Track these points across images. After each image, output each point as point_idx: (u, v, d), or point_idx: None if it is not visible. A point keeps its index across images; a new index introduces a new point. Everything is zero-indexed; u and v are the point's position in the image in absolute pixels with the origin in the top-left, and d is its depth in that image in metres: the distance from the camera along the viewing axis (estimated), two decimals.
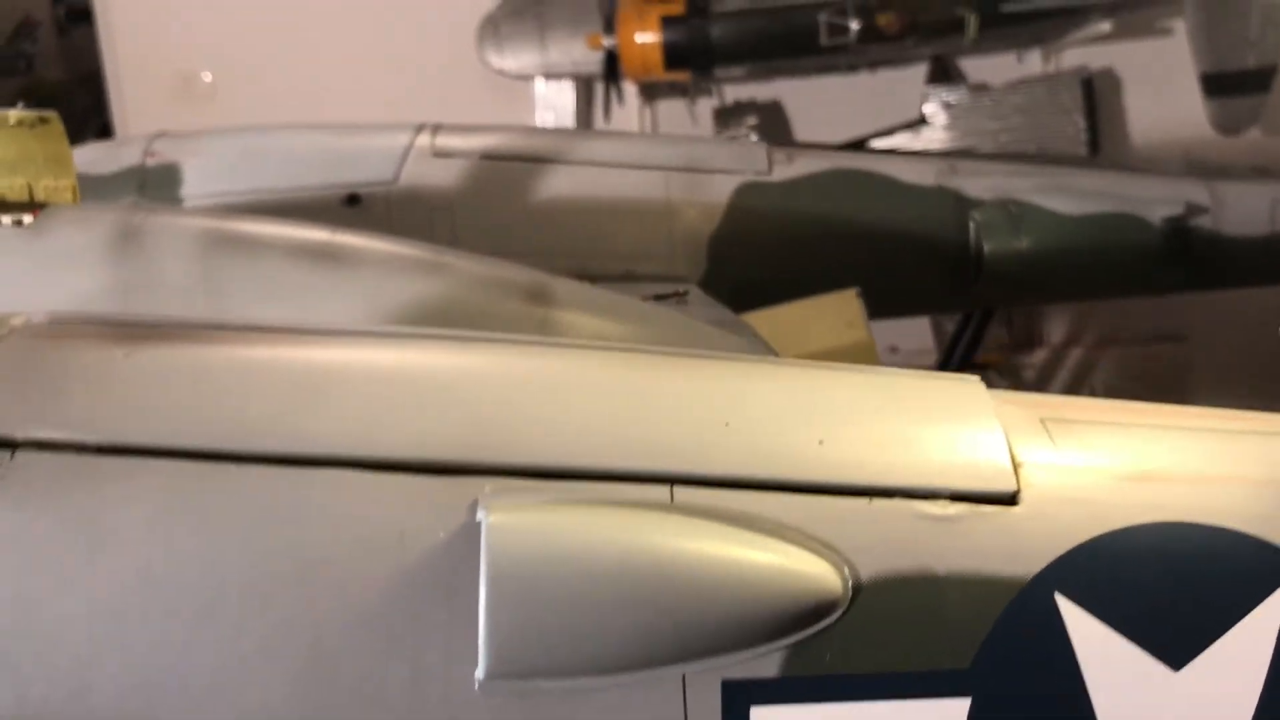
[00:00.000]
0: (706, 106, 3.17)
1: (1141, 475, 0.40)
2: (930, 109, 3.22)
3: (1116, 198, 1.14)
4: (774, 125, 3.22)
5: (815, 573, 0.38)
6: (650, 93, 3.12)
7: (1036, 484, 0.40)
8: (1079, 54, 3.12)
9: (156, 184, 1.13)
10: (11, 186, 0.84)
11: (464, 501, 0.38)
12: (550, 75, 3.02)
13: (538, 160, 1.14)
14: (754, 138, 3.08)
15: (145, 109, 3.10)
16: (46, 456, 0.38)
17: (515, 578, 0.37)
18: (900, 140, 3.19)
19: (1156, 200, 1.15)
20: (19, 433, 0.38)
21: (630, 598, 0.37)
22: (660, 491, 0.39)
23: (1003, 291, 1.16)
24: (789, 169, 1.16)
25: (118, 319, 0.44)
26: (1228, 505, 0.40)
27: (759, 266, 1.16)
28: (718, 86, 3.13)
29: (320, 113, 3.02)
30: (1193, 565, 0.39)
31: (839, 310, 0.97)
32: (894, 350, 2.64)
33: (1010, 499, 0.40)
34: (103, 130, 3.54)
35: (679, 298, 1.02)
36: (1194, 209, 1.15)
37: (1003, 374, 3.24)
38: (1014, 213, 1.13)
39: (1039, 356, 3.11)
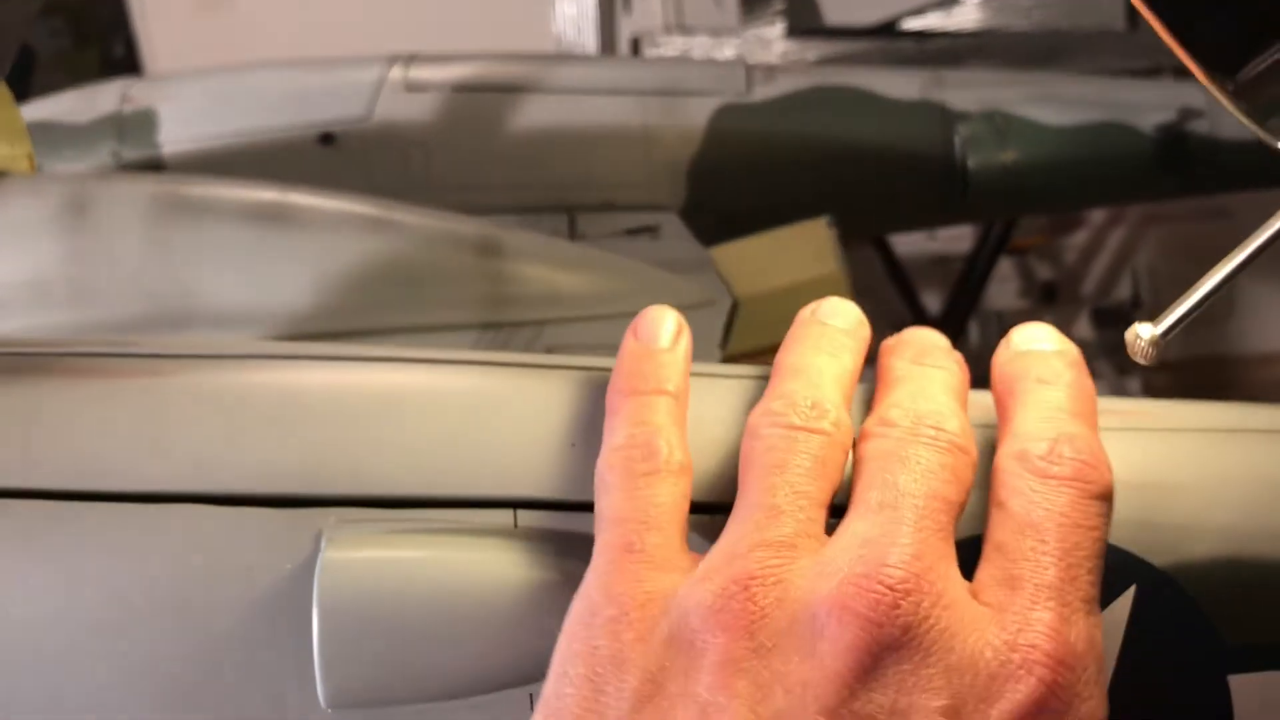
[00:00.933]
0: None
1: (1147, 484, 0.40)
2: None
3: (1107, 105, 1.11)
4: (803, 8, 3.14)
5: None
6: None
7: None
8: None
9: (134, 130, 1.13)
10: None
11: (309, 533, 0.39)
12: None
13: (512, 90, 1.13)
14: (780, 24, 3.02)
15: (166, 18, 3.09)
16: None
17: (346, 611, 0.37)
18: (932, 20, 3.11)
19: (1149, 106, 1.11)
20: None
21: (469, 627, 0.38)
22: (504, 517, 0.39)
23: (992, 205, 1.13)
24: (769, 88, 1.14)
25: (13, 346, 0.44)
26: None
27: (741, 190, 1.14)
28: None
29: (341, 15, 3.00)
30: None
31: (809, 241, 0.96)
32: (931, 237, 2.61)
33: None
34: (128, 42, 3.54)
35: (650, 232, 1.01)
36: (1188, 113, 1.11)
37: (1043, 257, 3.19)
38: (999, 125, 1.10)
39: (1080, 238, 3.06)
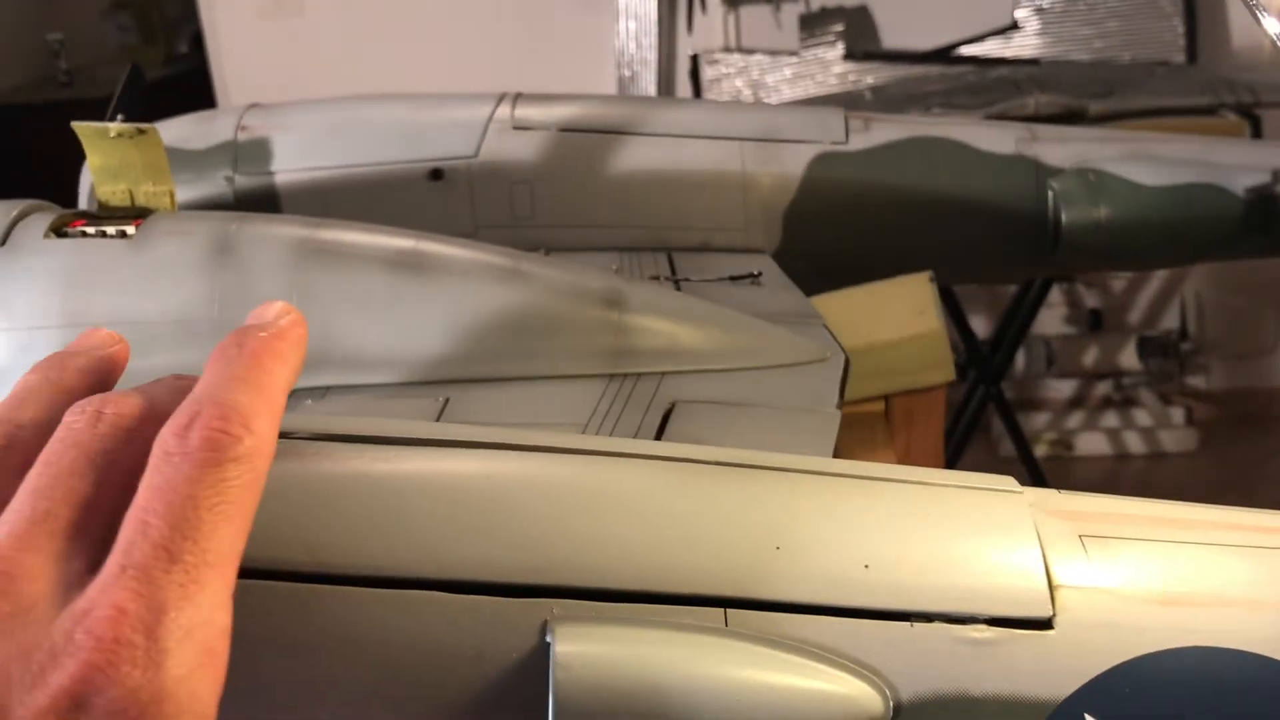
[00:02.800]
0: (791, 13, 3.14)
1: (1173, 599, 0.43)
2: (1022, 14, 3.15)
3: (1199, 166, 1.13)
4: (861, 31, 3.17)
5: (860, 695, 0.41)
6: (734, 0, 3.08)
7: (1071, 607, 0.43)
8: None
9: (249, 159, 1.16)
10: (114, 192, 0.89)
11: (535, 622, 0.42)
12: None
13: (614, 131, 1.16)
14: (840, 46, 3.05)
15: (234, 19, 3.14)
16: None
17: (580, 702, 0.40)
18: (991, 46, 3.13)
19: (1241, 168, 1.13)
20: None
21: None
22: (715, 615, 0.42)
23: (1081, 260, 1.15)
24: (866, 137, 1.16)
25: None
26: (1257, 631, 0.42)
27: (835, 237, 1.17)
28: None
29: (405, 23, 3.04)
30: (1220, 690, 0.41)
31: (911, 296, 0.99)
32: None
33: (1046, 623, 0.42)
34: (197, 36, 3.58)
35: (753, 279, 1.04)
36: (1279, 176, 1.13)
37: (1091, 284, 3.19)
38: (1093, 182, 1.12)
39: None
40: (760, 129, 1.18)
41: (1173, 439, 3.31)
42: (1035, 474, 2.81)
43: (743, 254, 1.16)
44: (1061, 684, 0.42)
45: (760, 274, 1.05)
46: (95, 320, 0.83)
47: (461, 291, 0.84)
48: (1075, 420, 3.35)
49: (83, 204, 1.22)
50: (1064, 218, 1.14)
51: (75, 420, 0.40)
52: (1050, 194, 1.15)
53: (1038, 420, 3.33)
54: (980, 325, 3.15)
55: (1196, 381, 3.39)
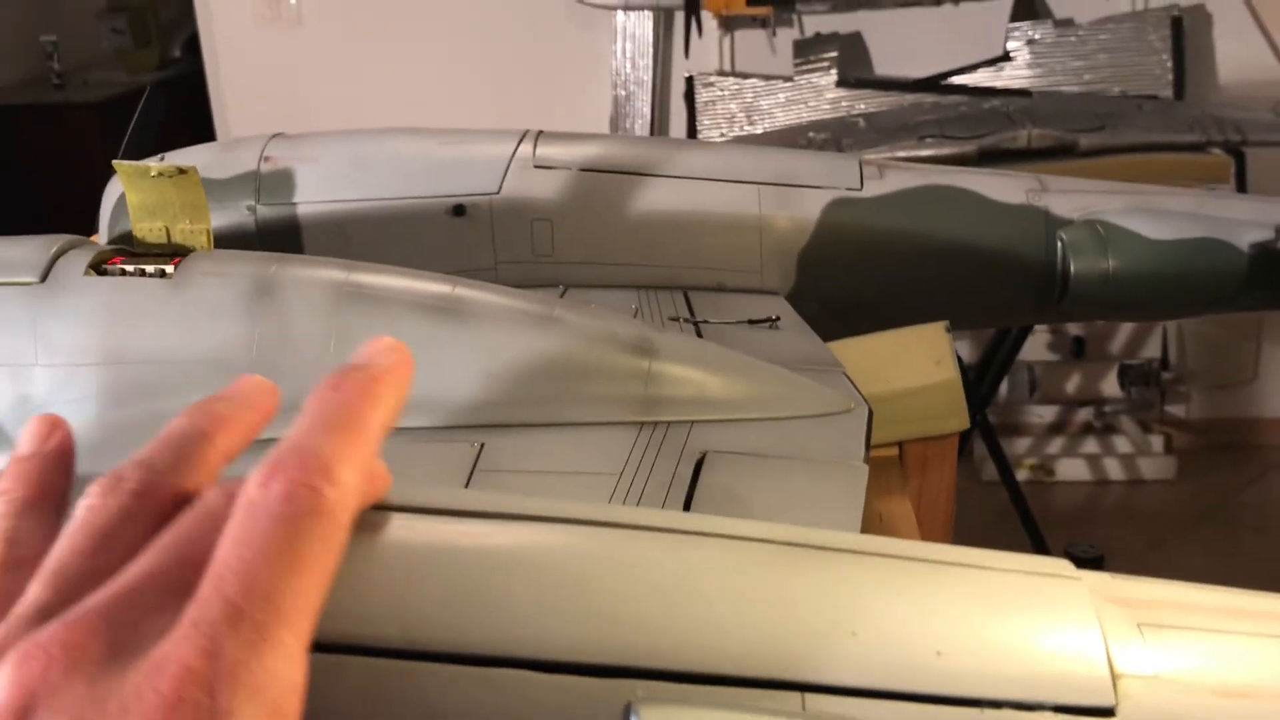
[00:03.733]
0: (786, 38, 3.16)
1: (1232, 690, 0.44)
2: (1014, 45, 3.19)
3: (1205, 221, 1.16)
4: (854, 58, 3.21)
5: None
6: (729, 24, 3.11)
7: (1133, 695, 0.44)
8: None
9: (271, 190, 1.17)
10: (151, 229, 0.90)
11: (619, 702, 0.43)
12: (630, 7, 3.02)
13: (634, 173, 1.17)
14: (834, 72, 3.07)
15: (232, 26, 3.14)
16: None
17: None
18: (982, 76, 3.17)
19: (1246, 223, 1.16)
20: None
21: None
22: (793, 700, 0.44)
23: (1086, 309, 1.18)
24: (880, 185, 1.18)
25: None
26: None
27: (848, 281, 1.19)
28: (798, 18, 3.12)
29: (403, 39, 3.05)
30: None
31: (928, 345, 1.01)
32: None
33: (1109, 711, 0.44)
34: (191, 41, 3.58)
35: (772, 324, 1.06)
36: None
37: None
38: (1102, 234, 1.14)
39: None
40: (777, 173, 1.20)
41: (1152, 466, 3.36)
42: (1016, 498, 2.85)
43: (758, 294, 1.18)
44: None
45: (779, 318, 1.07)
46: (134, 358, 0.84)
47: (496, 337, 0.85)
48: (1056, 446, 3.39)
49: (103, 226, 1.22)
50: (1073, 268, 1.16)
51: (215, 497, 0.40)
52: (1060, 244, 1.17)
53: (1019, 445, 3.37)
54: (965, 350, 3.19)
55: (1176, 410, 3.44)
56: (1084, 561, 2.93)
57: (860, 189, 1.19)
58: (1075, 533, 3.09)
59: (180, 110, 3.39)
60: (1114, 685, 0.44)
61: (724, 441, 0.84)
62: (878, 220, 1.19)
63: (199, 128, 3.12)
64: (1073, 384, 3.32)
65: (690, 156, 1.21)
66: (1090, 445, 3.38)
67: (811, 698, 0.43)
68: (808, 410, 0.88)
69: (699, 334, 1.05)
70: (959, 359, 2.70)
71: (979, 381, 2.82)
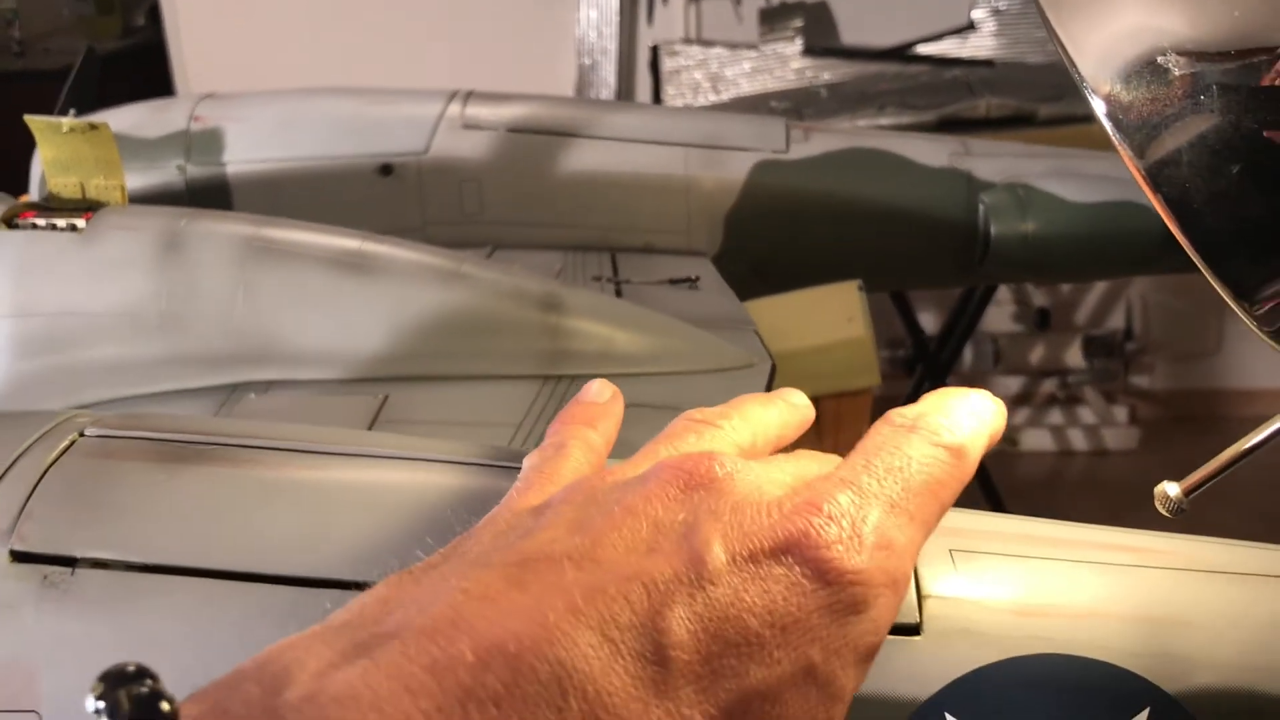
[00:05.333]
0: (752, 6, 3.16)
1: (1031, 610, 0.47)
2: (979, 14, 3.19)
3: (1124, 184, 1.17)
4: (821, 27, 3.21)
5: None
6: None
7: (938, 615, 0.46)
8: None
9: (201, 149, 1.18)
10: (65, 185, 0.91)
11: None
12: None
13: (562, 134, 1.19)
14: (799, 41, 3.08)
15: None
16: (101, 574, 0.45)
17: None
18: (947, 46, 3.18)
19: None
20: (78, 552, 0.46)
21: None
22: None
23: (1007, 271, 1.20)
24: (806, 147, 1.20)
25: (163, 432, 0.51)
26: (1102, 639, 0.46)
27: (774, 241, 1.21)
28: None
29: (367, 5, 3.04)
30: (1067, 693, 0.46)
31: (840, 303, 1.02)
32: None
33: (914, 629, 0.46)
34: (154, 9, 3.57)
35: (691, 283, 1.08)
36: None
37: (1039, 284, 3.25)
38: (1022, 197, 1.16)
39: None
40: (704, 135, 1.21)
41: (1115, 437, 3.39)
42: (980, 469, 2.88)
43: (685, 256, 1.19)
44: (926, 685, 0.45)
45: (698, 278, 1.09)
46: (45, 311, 0.86)
47: (403, 291, 0.87)
48: (1020, 417, 3.41)
49: (34, 189, 1.23)
50: (993, 230, 1.18)
51: None
52: (981, 207, 1.19)
53: None
54: (929, 322, 3.21)
55: (1140, 381, 3.47)
56: None
57: (786, 151, 1.21)
58: (1038, 502, 3.13)
59: (144, 80, 3.38)
60: (920, 605, 0.46)
61: (626, 395, 0.86)
62: (803, 182, 1.20)
63: (162, 95, 3.11)
64: (1037, 355, 3.35)
65: (619, 118, 1.22)
66: (1054, 416, 3.41)
67: None
68: (712, 365, 0.90)
69: (619, 292, 1.07)
70: (911, 311, 2.70)
71: (940, 349, 2.84)
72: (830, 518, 0.37)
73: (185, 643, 0.45)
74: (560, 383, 0.87)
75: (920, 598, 0.47)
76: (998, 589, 0.47)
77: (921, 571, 0.47)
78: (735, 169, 1.20)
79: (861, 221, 1.20)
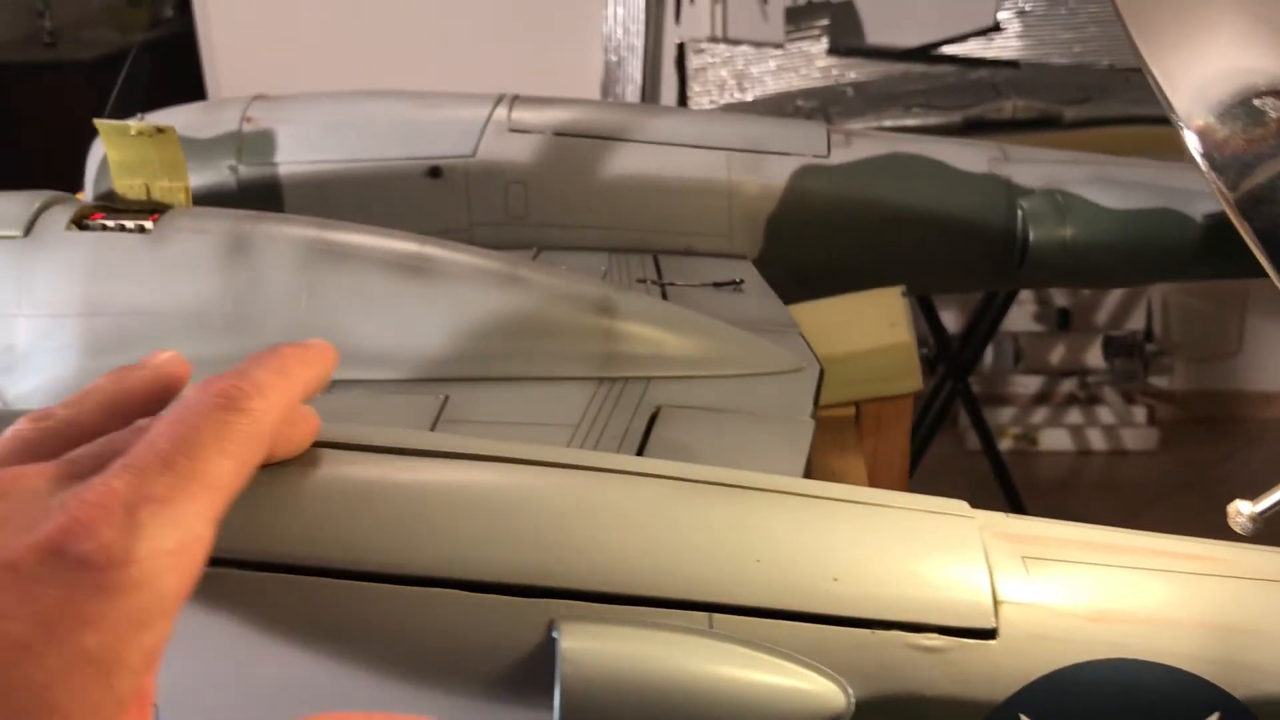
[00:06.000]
0: (778, 5, 3.18)
1: (1103, 616, 0.48)
2: (1005, 15, 3.20)
3: (1162, 191, 1.19)
4: (846, 26, 3.22)
5: (825, 692, 0.47)
6: None
7: (1012, 620, 0.48)
8: None
9: (252, 150, 1.20)
10: (131, 186, 0.93)
11: (542, 620, 0.47)
12: None
13: (607, 137, 1.21)
14: (825, 40, 3.09)
15: None
16: (216, 570, 0.47)
17: (584, 693, 0.46)
18: (972, 46, 3.18)
19: (1199, 193, 1.19)
20: None
21: (683, 714, 0.46)
22: (701, 618, 0.48)
23: (1044, 277, 1.22)
24: (847, 152, 1.22)
25: None
26: (1172, 645, 0.48)
27: (814, 246, 1.23)
28: None
29: (397, 3, 3.06)
30: (1139, 697, 0.47)
31: (883, 308, 1.04)
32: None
33: (989, 634, 0.48)
34: (180, 4, 3.60)
35: (735, 286, 1.10)
36: None
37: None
38: (1060, 203, 1.18)
39: None
40: (746, 140, 1.23)
41: (1134, 437, 3.40)
42: (999, 467, 2.89)
43: (726, 259, 1.21)
44: (1001, 688, 0.47)
45: (742, 281, 1.11)
46: (114, 310, 0.88)
47: (462, 295, 0.89)
48: (1040, 416, 3.43)
49: (89, 183, 1.26)
50: (1031, 236, 1.20)
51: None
52: (1020, 213, 1.21)
53: (1003, 415, 3.41)
54: (951, 321, 3.22)
55: (1160, 382, 3.48)
56: None
57: (827, 156, 1.22)
58: (1057, 502, 3.14)
59: (171, 69, 3.41)
60: (995, 610, 0.48)
61: (678, 397, 0.88)
62: (843, 187, 1.22)
63: (190, 86, 3.14)
64: (1057, 355, 3.36)
65: (662, 123, 1.24)
66: (1073, 415, 3.42)
67: (719, 617, 0.47)
68: (761, 368, 0.92)
69: (664, 294, 1.09)
70: (934, 311, 2.71)
71: (963, 349, 2.86)
72: (95, 504, 0.38)
73: (285, 639, 0.47)
74: (614, 384, 0.89)
75: (995, 603, 0.49)
76: (1070, 595, 0.49)
77: (996, 577, 0.49)
78: (777, 173, 1.22)
79: (901, 226, 1.22)
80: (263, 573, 0.48)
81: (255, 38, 3.17)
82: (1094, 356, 3.34)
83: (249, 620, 0.47)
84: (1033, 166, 1.23)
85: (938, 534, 0.51)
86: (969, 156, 1.24)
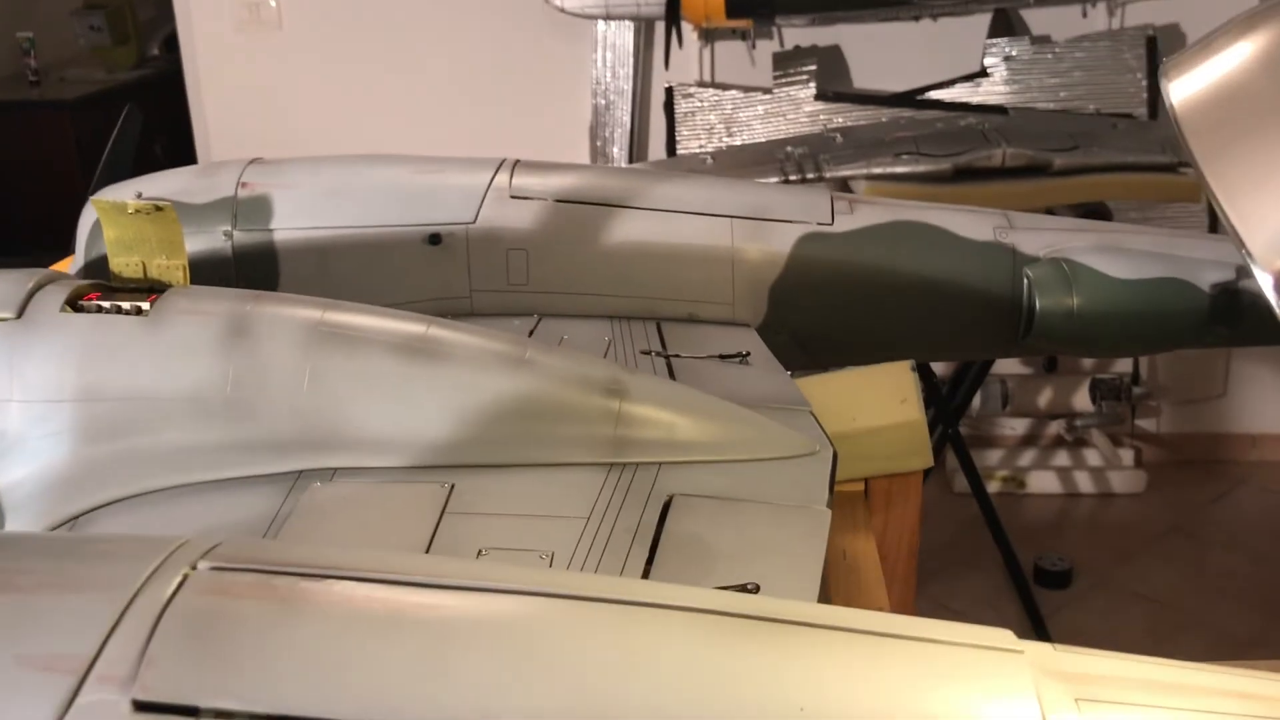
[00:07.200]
0: (766, 51, 3.18)
1: None
2: (991, 61, 3.22)
3: (1168, 260, 1.18)
4: (833, 71, 3.23)
5: None
6: (709, 35, 3.13)
7: None
8: (1145, 9, 3.10)
9: (248, 215, 1.18)
10: (128, 264, 0.91)
11: None
12: (612, 16, 3.03)
13: (609, 204, 1.19)
14: (812, 85, 3.09)
15: (211, 28, 3.13)
16: None
17: None
18: (959, 92, 3.19)
19: (1208, 264, 1.18)
20: (203, 702, 0.45)
21: None
22: None
23: (1049, 345, 1.20)
24: (851, 220, 1.20)
25: (275, 564, 0.50)
26: None
27: (818, 313, 1.21)
28: (778, 30, 3.14)
29: (384, 45, 3.05)
30: None
31: (893, 384, 1.03)
32: None
33: None
34: (169, 39, 3.57)
35: (742, 359, 1.08)
36: (1244, 272, 1.18)
37: None
38: (1066, 272, 1.17)
39: None
40: (750, 207, 1.21)
41: (1121, 480, 3.39)
42: (987, 510, 2.88)
43: (729, 326, 1.19)
44: None
45: (749, 353, 1.09)
46: (110, 395, 0.85)
47: (469, 378, 0.87)
48: (1028, 458, 3.42)
49: (80, 249, 1.23)
50: (1038, 304, 1.18)
51: None
52: (1026, 281, 1.19)
53: (991, 457, 3.40)
54: (939, 364, 3.22)
55: (1147, 425, 3.48)
56: (1052, 574, 2.93)
57: (831, 224, 1.21)
58: (1045, 544, 3.13)
59: (158, 109, 3.38)
60: None
61: (691, 484, 0.86)
62: (848, 255, 1.21)
63: (177, 127, 3.11)
64: (1045, 397, 3.35)
65: (665, 188, 1.23)
66: (1061, 458, 3.41)
67: None
68: (774, 453, 0.90)
69: (670, 367, 1.07)
70: (932, 394, 2.70)
71: (952, 394, 2.85)
72: None
73: None
74: (625, 470, 0.87)
75: None
76: None
77: None
78: (780, 241, 1.20)
79: (905, 295, 1.20)
80: None
81: (243, 80, 3.16)
82: (1081, 399, 3.34)
83: None
84: (1038, 234, 1.22)
85: (987, 674, 0.49)
86: (973, 224, 1.23)
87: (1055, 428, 3.45)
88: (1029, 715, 0.47)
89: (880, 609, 0.98)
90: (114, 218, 0.89)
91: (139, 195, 0.97)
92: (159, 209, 0.89)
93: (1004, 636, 0.51)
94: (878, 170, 2.56)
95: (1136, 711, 0.48)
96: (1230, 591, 2.91)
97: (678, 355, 1.10)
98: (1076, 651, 0.51)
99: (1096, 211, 2.53)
